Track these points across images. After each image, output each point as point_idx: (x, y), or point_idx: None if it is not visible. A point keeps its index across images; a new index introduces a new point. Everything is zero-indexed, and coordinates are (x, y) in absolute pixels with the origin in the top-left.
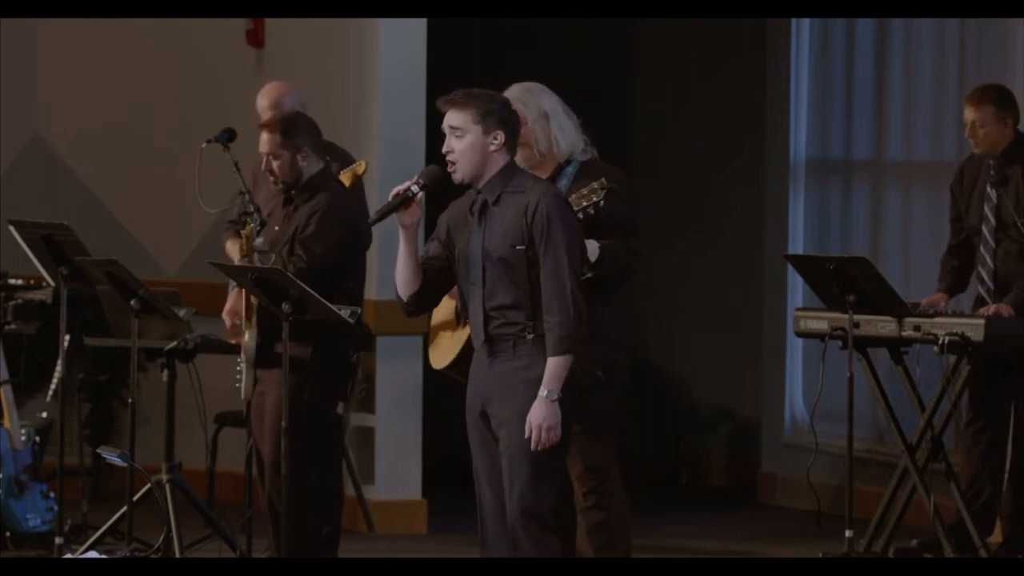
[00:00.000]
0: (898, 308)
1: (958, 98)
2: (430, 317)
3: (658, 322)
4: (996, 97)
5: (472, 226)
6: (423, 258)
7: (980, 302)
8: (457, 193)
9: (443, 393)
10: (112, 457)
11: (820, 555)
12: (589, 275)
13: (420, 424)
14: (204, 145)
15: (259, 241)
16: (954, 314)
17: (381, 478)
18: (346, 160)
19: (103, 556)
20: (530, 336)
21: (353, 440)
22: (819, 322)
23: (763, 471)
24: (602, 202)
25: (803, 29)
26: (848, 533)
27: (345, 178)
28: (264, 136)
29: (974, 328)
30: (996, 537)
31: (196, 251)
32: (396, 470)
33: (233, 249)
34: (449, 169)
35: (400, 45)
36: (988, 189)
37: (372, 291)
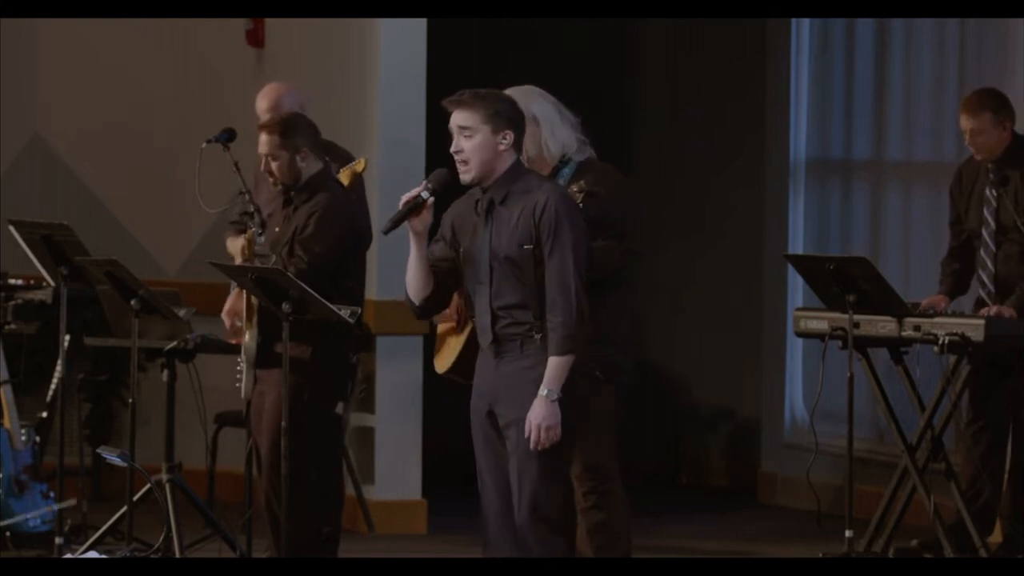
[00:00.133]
0: (898, 308)
1: (958, 98)
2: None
3: (658, 322)
4: (992, 102)
5: (478, 225)
6: (429, 260)
7: (980, 305)
8: (459, 193)
9: (443, 393)
10: (112, 457)
11: (820, 555)
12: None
13: (420, 424)
14: (204, 145)
15: (260, 242)
16: (954, 314)
17: (381, 478)
18: (346, 160)
19: (103, 556)
20: (537, 336)
21: (353, 440)
22: (819, 322)
23: (763, 471)
24: (580, 204)
25: (803, 29)
26: (848, 533)
27: (344, 176)
28: (263, 137)
29: (974, 328)
30: (996, 537)
31: (196, 251)
32: (396, 470)
33: (234, 248)
34: (460, 169)
35: (400, 45)
36: (987, 193)
37: (372, 291)
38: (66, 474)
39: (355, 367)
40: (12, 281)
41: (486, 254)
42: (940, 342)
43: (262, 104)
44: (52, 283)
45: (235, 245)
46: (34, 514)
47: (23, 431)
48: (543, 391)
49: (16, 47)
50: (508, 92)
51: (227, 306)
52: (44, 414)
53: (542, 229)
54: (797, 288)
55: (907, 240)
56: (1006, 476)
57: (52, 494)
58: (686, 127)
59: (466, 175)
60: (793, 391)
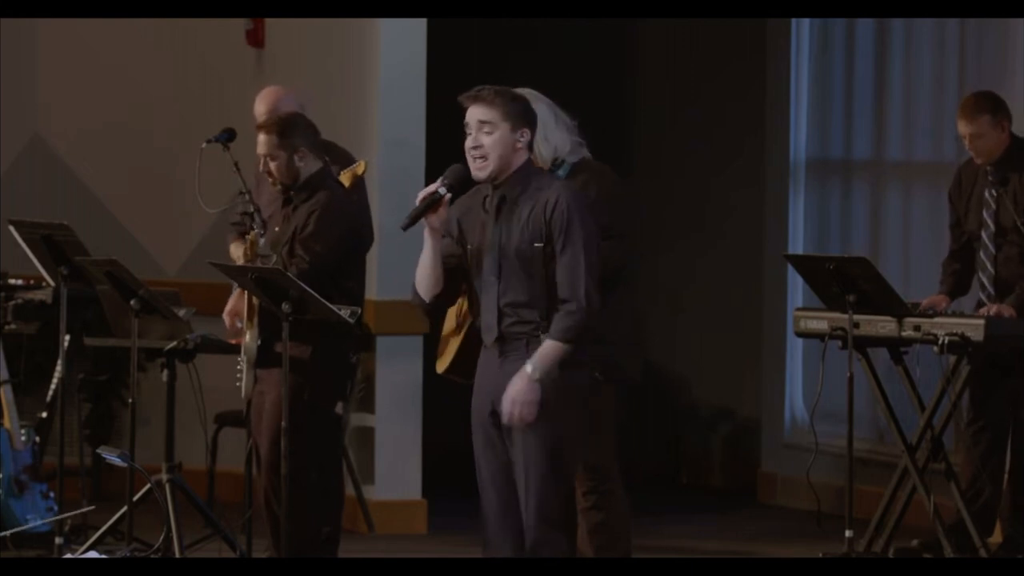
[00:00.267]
0: (898, 308)
1: (958, 98)
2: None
3: (658, 322)
4: (989, 105)
5: (486, 222)
6: None
7: (980, 307)
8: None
9: (443, 393)
10: (112, 457)
11: (820, 555)
12: None
13: (420, 424)
14: (204, 145)
15: (262, 243)
16: (954, 314)
17: (381, 478)
18: (346, 160)
19: (103, 556)
20: (543, 336)
21: (353, 440)
22: (819, 322)
23: (763, 471)
24: None
25: (803, 29)
26: (848, 533)
27: (345, 178)
28: (261, 137)
29: (974, 328)
30: (996, 537)
31: (196, 251)
32: (396, 470)
33: (237, 252)
34: (476, 165)
35: (400, 45)
36: (986, 195)
37: (372, 291)
38: (66, 474)
39: (355, 367)
40: (12, 281)
41: (495, 251)
42: (940, 342)
43: (260, 107)
44: (52, 283)
45: (238, 251)
46: (43, 522)
47: (23, 431)
48: (527, 367)
49: (16, 47)
50: None
51: (228, 306)
52: (44, 414)
53: (553, 227)
54: (797, 288)
55: (907, 240)
56: (1006, 476)
57: (52, 494)
58: (686, 127)
59: (483, 171)
60: (793, 391)
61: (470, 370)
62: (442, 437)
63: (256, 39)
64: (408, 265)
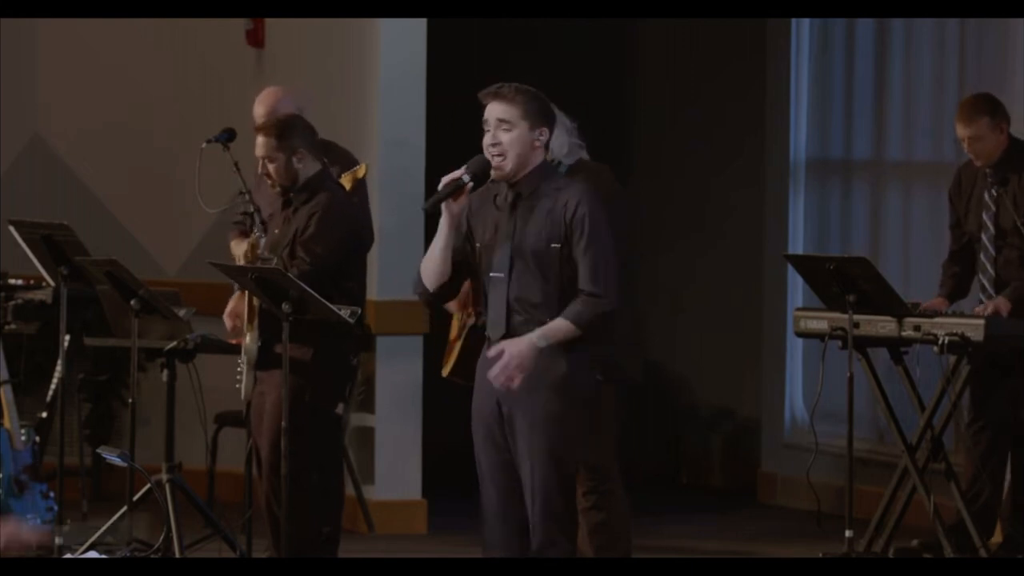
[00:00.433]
0: (898, 308)
1: (958, 98)
2: (442, 327)
3: (658, 322)
4: (988, 107)
5: (498, 219)
6: None
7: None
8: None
9: (443, 393)
10: (112, 457)
11: (820, 555)
12: None
13: (420, 424)
14: (204, 145)
15: (262, 245)
16: (954, 314)
17: (381, 478)
18: (347, 160)
19: (103, 556)
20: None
21: (353, 440)
22: (819, 322)
23: (763, 471)
24: None
25: (803, 29)
26: (848, 533)
27: (346, 181)
28: (259, 140)
29: (974, 328)
30: (996, 537)
31: (196, 251)
32: (396, 470)
33: (237, 250)
34: (494, 162)
35: (400, 45)
36: (986, 197)
37: (372, 291)
38: (66, 474)
39: (355, 369)
40: (12, 281)
41: (507, 248)
42: (940, 342)
43: (259, 110)
44: (52, 283)
45: (239, 249)
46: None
47: (23, 431)
48: (534, 335)
49: (16, 47)
50: None
51: (229, 307)
52: (44, 414)
53: (574, 228)
54: (797, 288)
55: (907, 240)
56: (1007, 476)
57: (52, 494)
58: (686, 127)
59: (501, 169)
60: (793, 391)
61: (472, 372)
62: (442, 437)
63: (256, 39)
64: (408, 265)
